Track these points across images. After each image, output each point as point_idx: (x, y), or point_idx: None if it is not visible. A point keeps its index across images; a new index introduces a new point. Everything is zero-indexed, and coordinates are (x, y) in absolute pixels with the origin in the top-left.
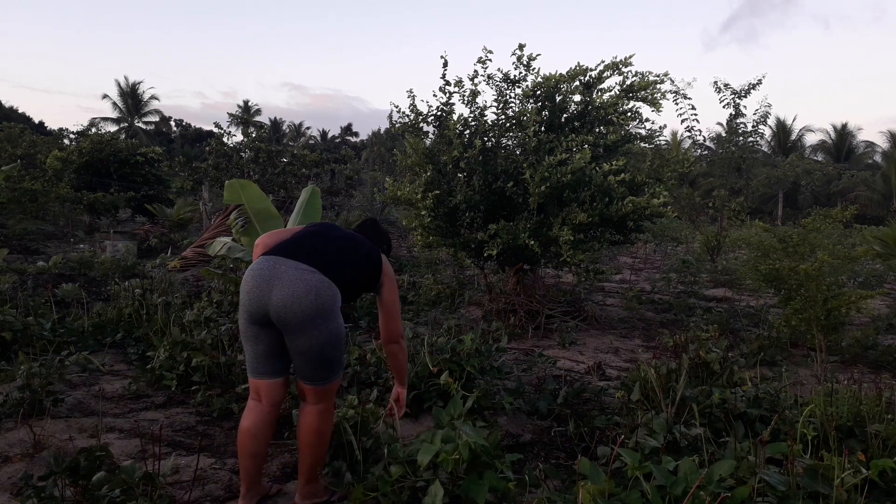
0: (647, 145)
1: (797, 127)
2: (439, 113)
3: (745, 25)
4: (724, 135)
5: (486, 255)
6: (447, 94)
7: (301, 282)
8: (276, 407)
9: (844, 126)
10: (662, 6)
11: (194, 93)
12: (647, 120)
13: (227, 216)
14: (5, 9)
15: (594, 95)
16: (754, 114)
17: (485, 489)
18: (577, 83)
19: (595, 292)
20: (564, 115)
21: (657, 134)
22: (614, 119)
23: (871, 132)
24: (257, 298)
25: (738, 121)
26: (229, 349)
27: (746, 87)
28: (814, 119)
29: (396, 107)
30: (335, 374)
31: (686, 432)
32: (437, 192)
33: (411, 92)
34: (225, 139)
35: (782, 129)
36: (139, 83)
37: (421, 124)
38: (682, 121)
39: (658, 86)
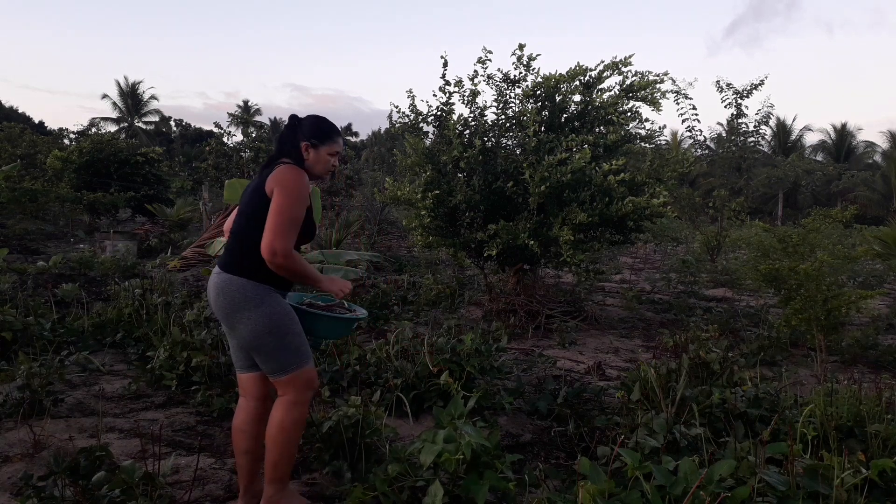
0: (647, 145)
1: (797, 127)
2: (439, 113)
3: (748, 30)
4: (724, 135)
5: (486, 255)
6: (447, 94)
7: (212, 286)
8: (260, 401)
9: (844, 126)
10: (665, 11)
11: (197, 93)
12: (646, 120)
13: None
14: (6, 9)
15: (594, 95)
16: (756, 114)
17: (485, 489)
18: (577, 83)
19: (595, 292)
20: (564, 115)
21: (657, 134)
22: (614, 119)
23: (871, 132)
24: (210, 305)
25: (739, 121)
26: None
27: (749, 87)
28: (814, 119)
29: (396, 107)
30: (289, 363)
31: (686, 432)
32: (437, 192)
33: (411, 92)
34: (225, 139)
35: (783, 129)
36: (139, 83)
37: (421, 124)
38: (683, 121)
39: (658, 85)
